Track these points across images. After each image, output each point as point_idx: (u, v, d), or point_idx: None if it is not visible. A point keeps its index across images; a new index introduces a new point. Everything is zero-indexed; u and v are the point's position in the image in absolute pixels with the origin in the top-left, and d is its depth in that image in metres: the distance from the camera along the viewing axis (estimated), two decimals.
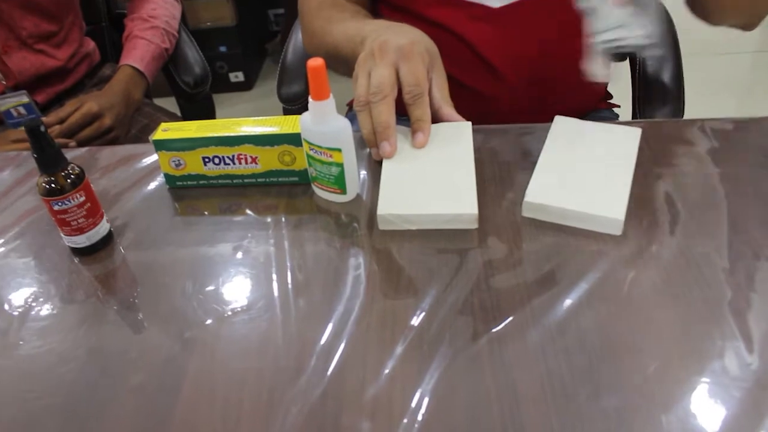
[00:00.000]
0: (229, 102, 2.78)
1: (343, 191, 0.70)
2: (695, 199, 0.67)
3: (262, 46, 3.08)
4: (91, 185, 0.68)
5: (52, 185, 0.64)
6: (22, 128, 1.27)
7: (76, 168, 0.66)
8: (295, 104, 1.21)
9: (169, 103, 1.53)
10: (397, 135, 0.74)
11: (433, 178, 0.70)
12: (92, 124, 1.21)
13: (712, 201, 0.66)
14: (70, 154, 0.65)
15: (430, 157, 0.73)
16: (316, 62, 0.61)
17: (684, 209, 0.66)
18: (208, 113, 1.56)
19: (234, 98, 2.82)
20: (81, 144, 1.20)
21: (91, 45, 1.47)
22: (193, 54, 1.48)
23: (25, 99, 1.28)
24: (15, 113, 1.29)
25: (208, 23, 2.69)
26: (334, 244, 0.67)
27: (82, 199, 0.66)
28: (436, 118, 0.77)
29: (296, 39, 1.27)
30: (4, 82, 1.27)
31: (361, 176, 0.75)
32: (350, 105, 1.20)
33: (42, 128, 0.62)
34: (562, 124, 0.77)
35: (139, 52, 1.33)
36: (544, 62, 0.98)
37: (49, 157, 0.64)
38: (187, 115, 1.51)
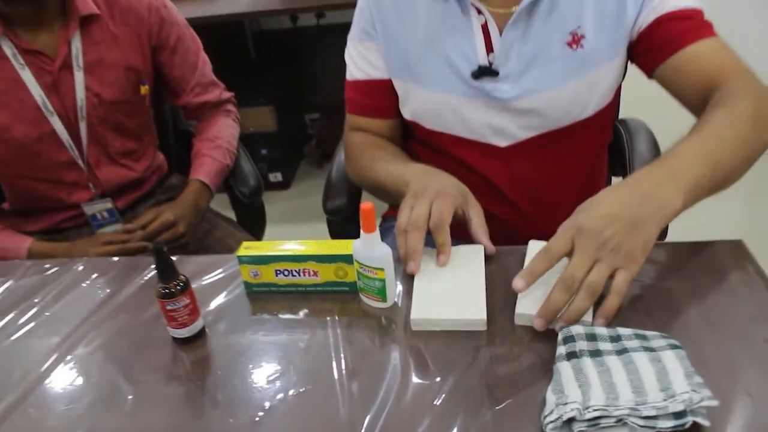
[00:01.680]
0: (268, 201, 2.96)
1: (384, 300, 0.91)
2: (654, 304, 0.87)
3: (299, 148, 3.36)
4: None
5: (167, 290, 0.86)
6: (104, 231, 1.51)
7: (183, 278, 0.88)
8: (338, 216, 1.42)
9: (220, 200, 1.72)
10: (426, 256, 0.95)
11: (452, 290, 0.91)
12: (168, 231, 1.44)
13: (668, 304, 0.86)
14: None
15: (451, 273, 0.94)
16: (366, 206, 0.83)
17: (646, 315, 0.85)
18: (260, 218, 1.79)
19: (273, 197, 3.06)
20: None
21: (161, 158, 1.71)
22: (248, 167, 1.71)
23: (109, 205, 1.52)
24: (100, 217, 1.53)
25: (251, 129, 2.97)
26: (377, 341, 0.87)
27: (187, 301, 0.88)
28: (473, 240, 0.99)
29: (339, 159, 1.49)
30: (93, 190, 1.51)
31: (398, 289, 0.96)
32: (384, 217, 1.42)
33: (164, 249, 0.84)
34: (536, 247, 0.96)
35: (206, 169, 1.56)
36: (547, 189, 1.20)
37: (166, 270, 0.86)
38: (242, 219, 1.74)
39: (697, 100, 1.03)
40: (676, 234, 1.08)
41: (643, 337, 0.78)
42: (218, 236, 1.61)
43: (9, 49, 1.32)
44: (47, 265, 1.13)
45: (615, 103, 1.21)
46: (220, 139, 1.63)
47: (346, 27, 1.27)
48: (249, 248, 0.96)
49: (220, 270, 1.05)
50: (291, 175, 3.20)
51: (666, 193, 0.84)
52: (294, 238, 0.97)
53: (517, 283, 0.83)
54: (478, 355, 0.82)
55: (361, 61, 1.23)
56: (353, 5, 1.25)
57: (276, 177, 3.09)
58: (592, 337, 0.78)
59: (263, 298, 0.98)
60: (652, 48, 1.07)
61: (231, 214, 1.75)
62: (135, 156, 1.58)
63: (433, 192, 0.97)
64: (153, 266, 1.07)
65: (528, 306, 0.85)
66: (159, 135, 1.70)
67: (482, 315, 0.86)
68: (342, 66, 1.29)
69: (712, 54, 1.04)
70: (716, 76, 1.01)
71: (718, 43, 1.05)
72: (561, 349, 0.78)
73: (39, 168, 1.43)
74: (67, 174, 1.47)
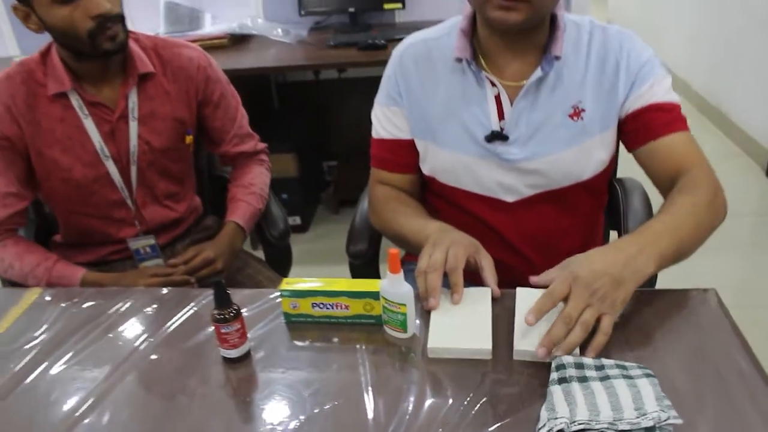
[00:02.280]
0: None
1: (405, 331, 1.06)
2: (634, 340, 1.01)
3: (317, 194, 3.52)
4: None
5: (223, 316, 1.01)
6: (145, 264, 1.66)
7: (236, 306, 1.03)
8: (360, 259, 1.57)
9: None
10: (442, 295, 1.11)
11: (464, 324, 1.06)
12: (208, 267, 1.59)
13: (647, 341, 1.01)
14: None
15: (463, 310, 1.09)
16: (393, 251, 0.99)
17: (628, 348, 1.00)
18: (287, 258, 1.94)
19: (291, 239, 3.19)
20: (198, 280, 1.58)
21: (197, 200, 1.87)
22: (278, 211, 1.87)
23: (152, 241, 1.67)
24: (143, 252, 1.68)
25: (274, 174, 3.13)
26: (398, 366, 1.02)
27: (239, 326, 1.03)
28: (482, 283, 1.15)
29: (362, 207, 1.62)
30: (138, 227, 1.67)
31: (417, 322, 1.10)
32: (402, 261, 1.56)
33: (222, 281, 1.00)
34: (523, 294, 1.11)
35: (241, 212, 1.72)
36: (549, 240, 1.36)
37: (223, 300, 1.01)
38: (270, 259, 1.89)
39: (666, 181, 1.23)
40: (672, 281, 1.23)
41: (623, 367, 0.92)
42: (249, 273, 1.76)
43: (76, 101, 1.50)
44: (105, 294, 1.29)
45: (611, 168, 1.37)
46: (254, 185, 1.80)
47: (365, 81, 1.43)
48: (289, 284, 1.11)
49: (257, 304, 1.20)
50: (309, 219, 3.35)
51: (643, 260, 1.04)
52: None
53: (529, 318, 0.99)
54: (485, 379, 0.97)
55: (386, 123, 1.40)
56: (372, 63, 1.41)
57: (295, 220, 3.23)
58: (580, 366, 0.93)
59: (299, 327, 1.13)
60: (637, 131, 1.26)
61: (259, 254, 1.91)
62: (177, 198, 1.74)
63: (448, 241, 1.13)
64: (198, 299, 1.23)
65: (524, 344, 1.00)
66: (196, 179, 1.86)
67: (488, 345, 1.01)
68: (360, 117, 1.44)
69: (682, 146, 1.24)
70: (683, 165, 1.21)
71: (688, 137, 1.25)
72: (554, 375, 0.92)
73: (93, 205, 1.60)
74: (117, 212, 1.63)
